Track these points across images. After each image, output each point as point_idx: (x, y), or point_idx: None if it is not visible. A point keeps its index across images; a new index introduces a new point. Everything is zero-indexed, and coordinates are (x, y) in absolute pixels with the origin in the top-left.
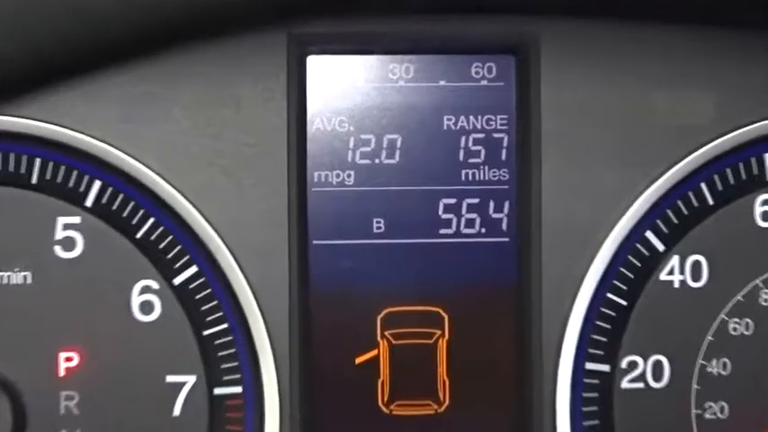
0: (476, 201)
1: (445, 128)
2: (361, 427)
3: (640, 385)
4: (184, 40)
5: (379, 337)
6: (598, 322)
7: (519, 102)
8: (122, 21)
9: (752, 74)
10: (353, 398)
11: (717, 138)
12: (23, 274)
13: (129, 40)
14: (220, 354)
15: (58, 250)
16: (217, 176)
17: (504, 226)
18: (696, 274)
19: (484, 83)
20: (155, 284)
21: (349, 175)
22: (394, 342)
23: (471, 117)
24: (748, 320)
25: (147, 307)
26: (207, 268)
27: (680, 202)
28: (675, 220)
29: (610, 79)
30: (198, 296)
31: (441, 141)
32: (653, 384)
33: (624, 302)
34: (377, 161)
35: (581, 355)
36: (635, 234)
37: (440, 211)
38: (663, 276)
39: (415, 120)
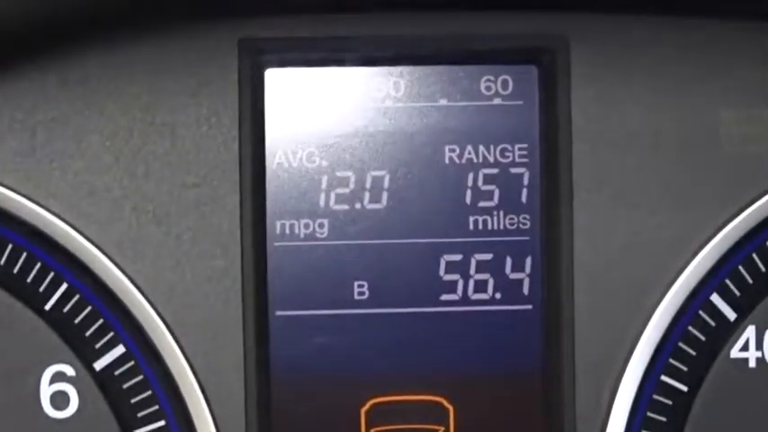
0: (488, 257)
1: (447, 161)
2: None
3: None
4: (101, 49)
5: None
6: (650, 414)
7: (543, 126)
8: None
9: None
10: None
11: None
12: None
13: (26, 39)
14: None
15: None
16: (147, 228)
17: (526, 289)
18: None
19: (497, 101)
20: (70, 370)
21: (321, 225)
22: None
23: (481, 147)
24: None
25: (60, 399)
26: (137, 349)
27: (755, 256)
28: (750, 280)
29: (661, 95)
30: (126, 385)
31: (441, 179)
32: None
33: (684, 387)
34: (358, 206)
35: None
36: (697, 298)
37: (441, 271)
38: (735, 353)
39: (408, 152)
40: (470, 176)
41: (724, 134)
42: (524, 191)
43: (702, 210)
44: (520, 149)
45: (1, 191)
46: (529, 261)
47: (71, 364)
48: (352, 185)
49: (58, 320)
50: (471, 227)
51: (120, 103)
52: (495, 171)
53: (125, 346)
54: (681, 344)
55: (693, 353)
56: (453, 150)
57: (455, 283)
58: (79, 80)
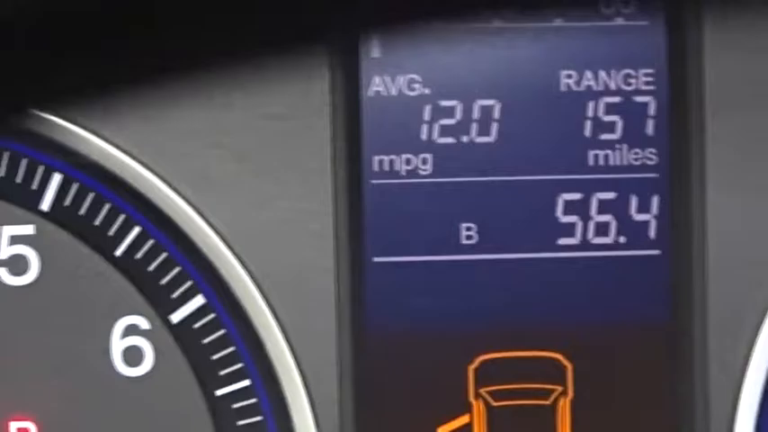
0: (611, 196)
1: (564, 89)
2: None
3: None
4: None
5: (471, 398)
6: None
7: (671, 49)
8: None
9: None
10: None
11: None
12: None
13: None
14: (240, 423)
15: (2, 274)
16: (226, 164)
17: (653, 233)
18: None
19: (619, 21)
20: (144, 323)
21: (425, 161)
22: (494, 404)
23: (602, 73)
24: None
25: (133, 355)
26: (217, 300)
27: None
28: None
29: None
30: (206, 340)
31: (557, 109)
32: None
33: None
34: (465, 139)
35: (765, 425)
36: None
37: (558, 212)
38: None
39: (520, 78)
40: (590, 106)
41: None
42: (650, 122)
43: None
44: (645, 75)
45: (65, 126)
46: (656, 201)
47: (145, 316)
48: (458, 116)
49: (129, 267)
50: (591, 162)
51: None
52: (618, 99)
53: (204, 296)
54: None
55: None
56: (570, 76)
57: (573, 225)
58: None
